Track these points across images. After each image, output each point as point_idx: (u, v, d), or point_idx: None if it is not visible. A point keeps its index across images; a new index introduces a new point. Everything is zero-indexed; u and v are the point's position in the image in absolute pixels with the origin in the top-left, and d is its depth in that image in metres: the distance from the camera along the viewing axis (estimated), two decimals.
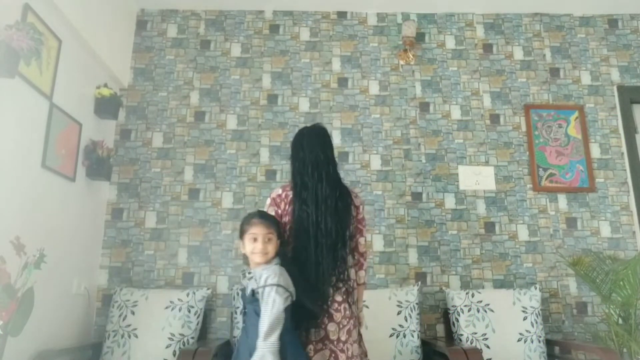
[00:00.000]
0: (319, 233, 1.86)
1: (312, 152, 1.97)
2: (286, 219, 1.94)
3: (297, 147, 2.03)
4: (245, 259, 1.93)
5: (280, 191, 2.01)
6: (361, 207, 2.06)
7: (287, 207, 1.95)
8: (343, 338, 1.85)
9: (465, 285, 2.99)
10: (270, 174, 3.14)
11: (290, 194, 1.96)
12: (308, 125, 2.11)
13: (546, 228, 3.09)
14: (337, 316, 1.85)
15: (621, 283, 2.61)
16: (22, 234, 1.97)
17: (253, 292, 1.77)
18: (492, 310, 2.65)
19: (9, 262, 1.85)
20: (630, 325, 2.63)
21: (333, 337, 1.83)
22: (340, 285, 1.89)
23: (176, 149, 3.17)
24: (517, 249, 3.05)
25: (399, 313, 2.64)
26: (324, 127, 2.09)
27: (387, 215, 3.09)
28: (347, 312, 1.88)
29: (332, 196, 1.91)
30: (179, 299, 2.64)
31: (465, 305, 2.68)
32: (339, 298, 1.87)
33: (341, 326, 1.85)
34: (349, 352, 1.85)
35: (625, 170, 3.18)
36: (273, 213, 1.96)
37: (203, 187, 3.11)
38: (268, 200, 2.02)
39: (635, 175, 3.15)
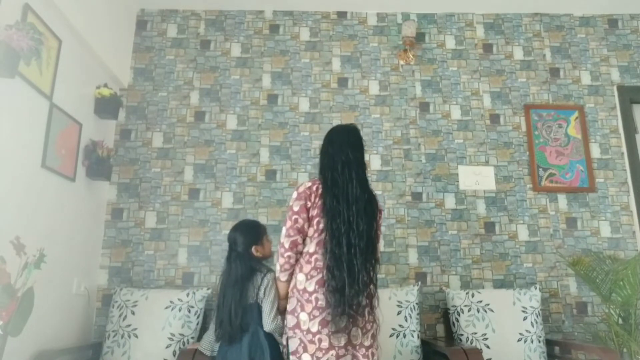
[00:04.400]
0: (351, 233, 1.80)
1: (342, 150, 1.92)
2: (314, 212, 1.87)
3: (327, 142, 1.99)
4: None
5: (309, 184, 1.93)
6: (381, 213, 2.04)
7: (317, 200, 1.87)
8: (367, 343, 1.82)
9: (465, 285, 2.99)
10: (270, 174, 3.14)
11: (321, 187, 1.90)
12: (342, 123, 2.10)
13: (546, 228, 3.09)
14: (361, 321, 1.81)
15: (621, 283, 2.61)
16: (22, 234, 1.97)
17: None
18: (492, 310, 2.65)
19: (9, 262, 1.85)
20: (630, 325, 2.63)
21: (356, 342, 1.79)
22: (365, 288, 1.83)
23: (176, 149, 3.17)
24: (517, 249, 3.05)
25: (399, 313, 2.63)
26: (357, 128, 2.04)
27: (387, 215, 3.09)
28: (371, 317, 1.85)
29: (362, 198, 1.86)
30: (179, 299, 2.63)
31: (465, 305, 2.68)
32: (363, 302, 1.82)
33: (364, 331, 1.82)
34: (374, 358, 1.81)
35: (625, 170, 3.18)
36: (298, 208, 1.88)
37: (203, 187, 3.11)
38: (294, 195, 1.92)
39: (635, 175, 3.15)
